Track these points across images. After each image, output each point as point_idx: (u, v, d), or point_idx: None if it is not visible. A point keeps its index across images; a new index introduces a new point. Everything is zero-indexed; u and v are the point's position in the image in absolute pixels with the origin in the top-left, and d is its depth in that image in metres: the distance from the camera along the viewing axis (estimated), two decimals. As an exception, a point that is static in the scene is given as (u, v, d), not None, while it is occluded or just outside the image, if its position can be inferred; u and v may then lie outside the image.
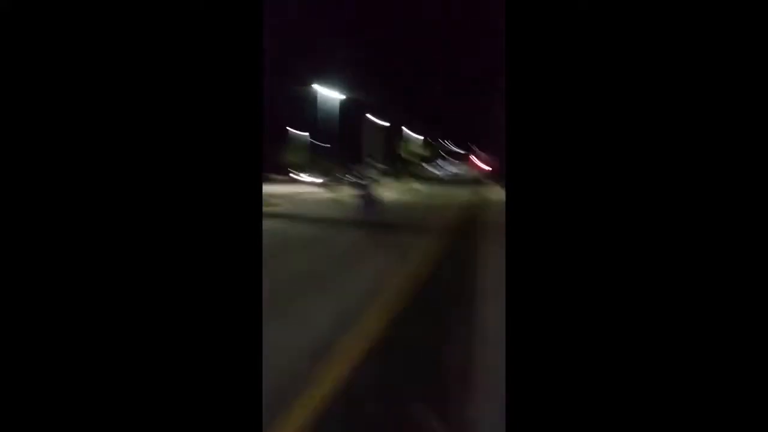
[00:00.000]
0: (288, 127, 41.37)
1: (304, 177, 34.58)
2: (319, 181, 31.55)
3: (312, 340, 2.83)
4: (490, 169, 45.12)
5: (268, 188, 19.65)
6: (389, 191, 21.25)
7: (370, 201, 10.97)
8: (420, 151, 48.81)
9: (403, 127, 43.32)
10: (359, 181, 12.64)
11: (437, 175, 47.86)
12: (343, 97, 32.90)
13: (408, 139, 45.55)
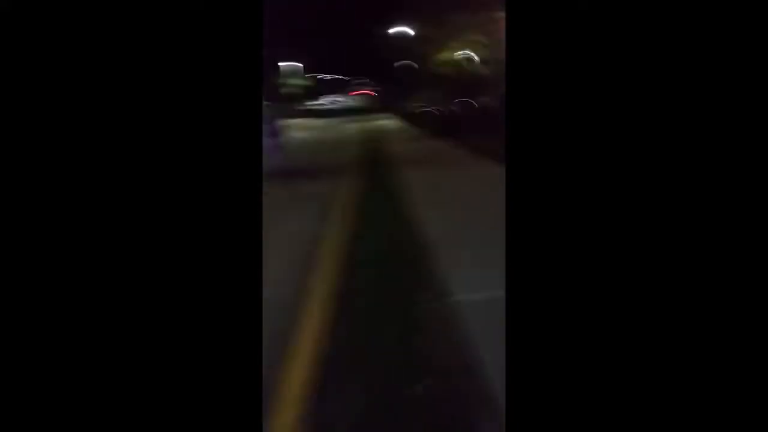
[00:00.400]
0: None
1: None
2: None
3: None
4: (374, 93, 45.45)
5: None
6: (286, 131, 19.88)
7: (276, 145, 9.44)
8: (302, 82, 46.13)
9: (280, 63, 40.02)
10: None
11: (327, 107, 46.31)
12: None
13: (287, 71, 42.47)
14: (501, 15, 13.71)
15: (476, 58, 16.19)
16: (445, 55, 17.30)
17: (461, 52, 16.54)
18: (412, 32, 23.33)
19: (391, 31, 26.71)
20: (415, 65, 26.85)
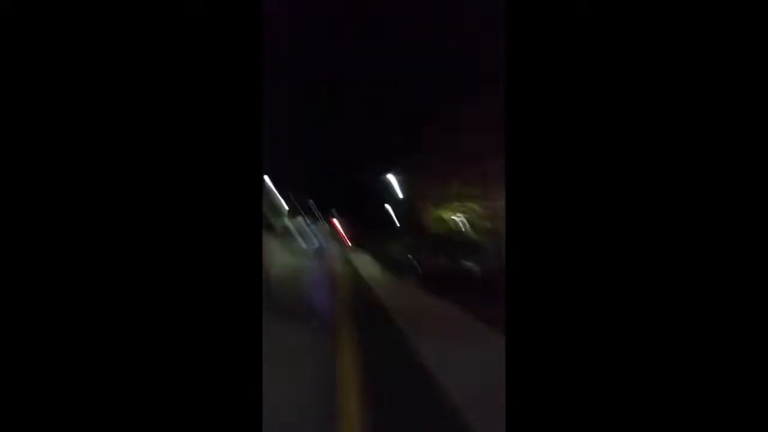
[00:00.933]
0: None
1: None
2: None
3: None
4: (349, 243, 46.55)
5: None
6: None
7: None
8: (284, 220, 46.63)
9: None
10: None
11: (304, 249, 46.37)
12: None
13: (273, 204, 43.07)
14: (500, 193, 14.58)
15: (467, 224, 16.73)
16: (436, 213, 17.88)
17: (454, 214, 17.14)
18: (398, 182, 24.27)
19: (379, 178, 28.06)
20: (395, 217, 27.83)
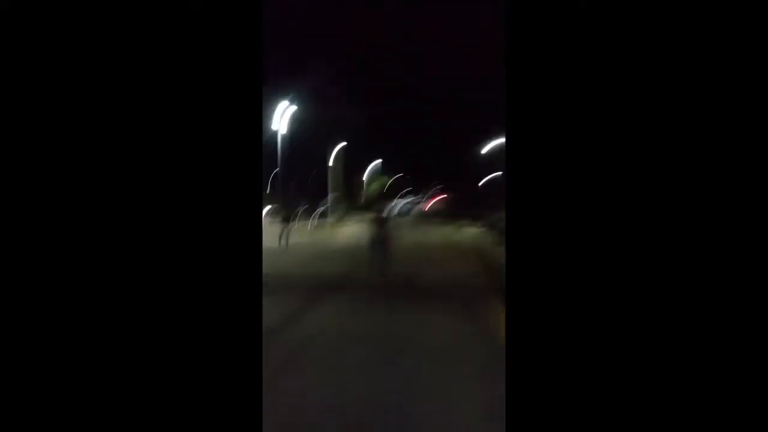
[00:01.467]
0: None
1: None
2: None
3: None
4: (447, 197, 46.62)
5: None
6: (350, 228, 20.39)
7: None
8: (385, 187, 47.66)
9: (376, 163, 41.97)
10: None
11: (405, 208, 47.19)
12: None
13: (375, 174, 44.18)
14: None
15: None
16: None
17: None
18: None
19: (486, 149, 27.51)
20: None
